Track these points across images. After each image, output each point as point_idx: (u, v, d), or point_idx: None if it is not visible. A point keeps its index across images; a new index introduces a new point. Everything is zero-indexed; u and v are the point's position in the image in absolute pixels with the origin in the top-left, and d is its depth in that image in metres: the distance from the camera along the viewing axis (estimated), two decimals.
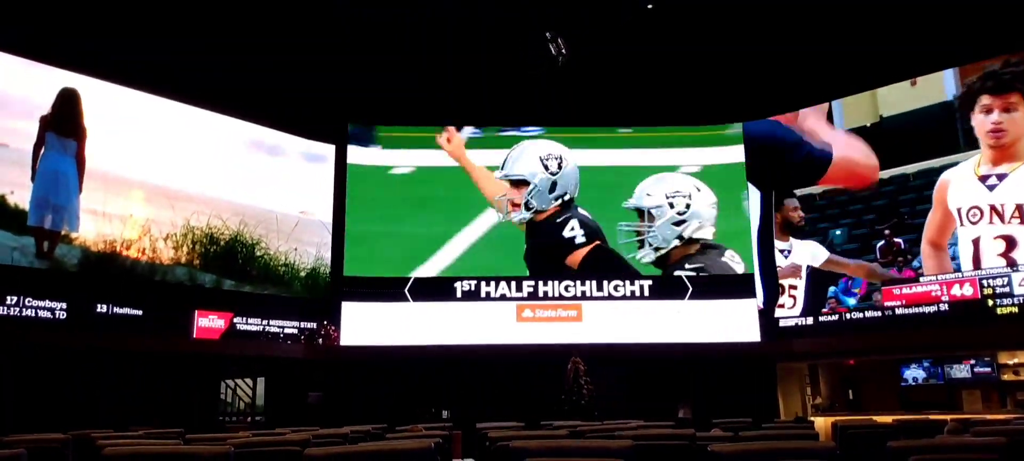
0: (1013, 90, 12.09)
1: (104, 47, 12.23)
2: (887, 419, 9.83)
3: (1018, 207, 11.85)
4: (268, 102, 14.45)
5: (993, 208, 12.07)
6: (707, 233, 13.84)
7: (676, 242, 13.67)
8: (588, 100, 15.15)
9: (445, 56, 14.23)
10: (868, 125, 13.90)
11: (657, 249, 13.64)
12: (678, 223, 13.51)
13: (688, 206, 13.47)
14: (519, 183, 13.70)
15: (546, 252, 14.11)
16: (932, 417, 10.07)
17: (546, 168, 13.65)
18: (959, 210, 12.42)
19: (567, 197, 13.83)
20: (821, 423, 12.15)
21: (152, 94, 13.07)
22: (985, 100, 12.30)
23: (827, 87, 14.34)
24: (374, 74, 14.52)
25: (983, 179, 12.24)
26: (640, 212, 13.58)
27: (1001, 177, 12.07)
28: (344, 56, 14.11)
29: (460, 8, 13.26)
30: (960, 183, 12.50)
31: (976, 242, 12.19)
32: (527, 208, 13.60)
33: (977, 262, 12.16)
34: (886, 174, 13.35)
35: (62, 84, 11.90)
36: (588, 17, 13.63)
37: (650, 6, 13.49)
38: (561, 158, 13.76)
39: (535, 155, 13.93)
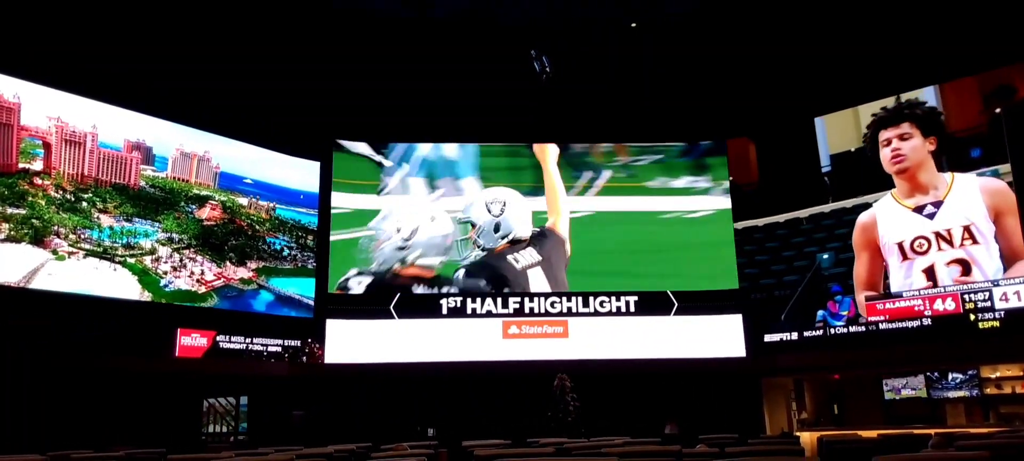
0: (904, 120, 12.78)
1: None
2: (872, 434, 9.87)
3: (965, 229, 12.17)
4: (252, 119, 14.41)
5: (939, 235, 12.40)
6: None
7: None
8: (584, 116, 15.31)
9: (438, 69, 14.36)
10: (853, 150, 14.04)
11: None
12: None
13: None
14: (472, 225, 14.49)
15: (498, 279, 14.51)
16: (916, 431, 10.13)
17: (490, 212, 14.37)
18: (900, 245, 12.73)
19: (511, 237, 14.34)
20: (807, 438, 12.17)
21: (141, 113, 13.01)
22: (883, 134, 12.91)
23: (810, 104, 14.52)
24: (361, 91, 14.56)
25: (919, 210, 12.60)
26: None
27: (937, 204, 12.44)
28: (329, 72, 14.13)
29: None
30: (891, 220, 12.89)
31: (929, 271, 12.46)
32: (476, 245, 14.46)
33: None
34: (871, 198, 13.38)
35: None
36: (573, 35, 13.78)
37: (634, 25, 13.65)
38: (504, 203, 14.49)
39: (482, 201, 14.55)
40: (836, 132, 14.40)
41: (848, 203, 13.80)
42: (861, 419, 13.38)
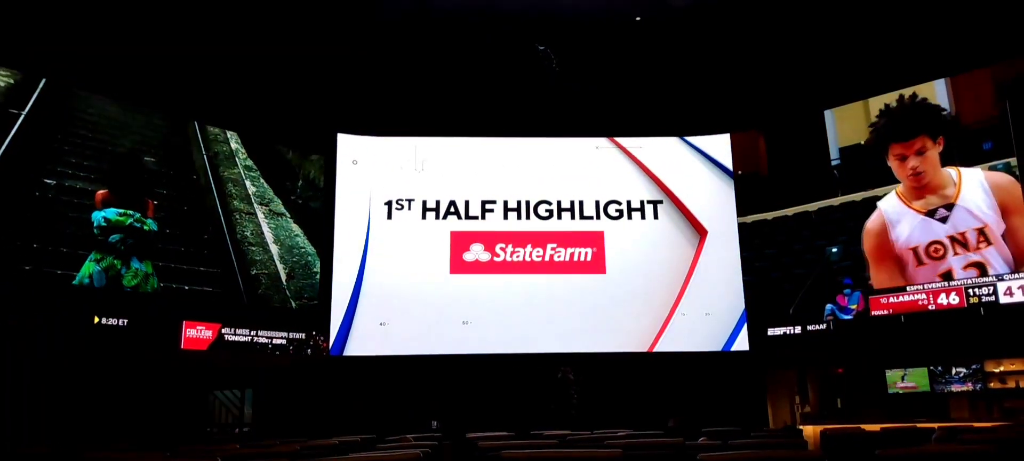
0: (919, 134, 12.50)
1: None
2: (875, 427, 9.88)
3: (979, 231, 12.00)
4: (254, 110, 14.42)
5: (954, 240, 12.21)
6: None
7: None
8: (576, 109, 15.28)
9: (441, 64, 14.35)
10: (863, 143, 13.95)
11: None
12: None
13: None
14: None
15: None
16: (920, 425, 10.12)
17: None
18: (915, 250, 12.53)
19: None
20: (810, 431, 12.18)
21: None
22: (896, 149, 12.65)
23: (820, 96, 14.49)
24: (364, 82, 14.58)
25: (930, 214, 12.41)
26: None
27: (949, 207, 12.27)
28: (332, 64, 14.15)
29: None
30: (902, 224, 12.67)
31: (946, 276, 12.31)
32: None
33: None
34: (881, 191, 13.33)
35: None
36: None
37: (638, 19, 13.63)
38: None
39: None
40: (846, 125, 14.34)
41: (857, 196, 13.74)
42: (865, 412, 13.40)
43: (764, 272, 14.57)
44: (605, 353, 14.11)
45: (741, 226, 14.80)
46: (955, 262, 12.24)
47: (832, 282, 13.67)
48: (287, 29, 13.51)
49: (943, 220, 12.29)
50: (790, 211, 14.60)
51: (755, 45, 14.16)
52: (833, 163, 14.41)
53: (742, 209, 14.92)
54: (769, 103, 15.07)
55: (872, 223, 13.06)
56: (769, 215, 14.81)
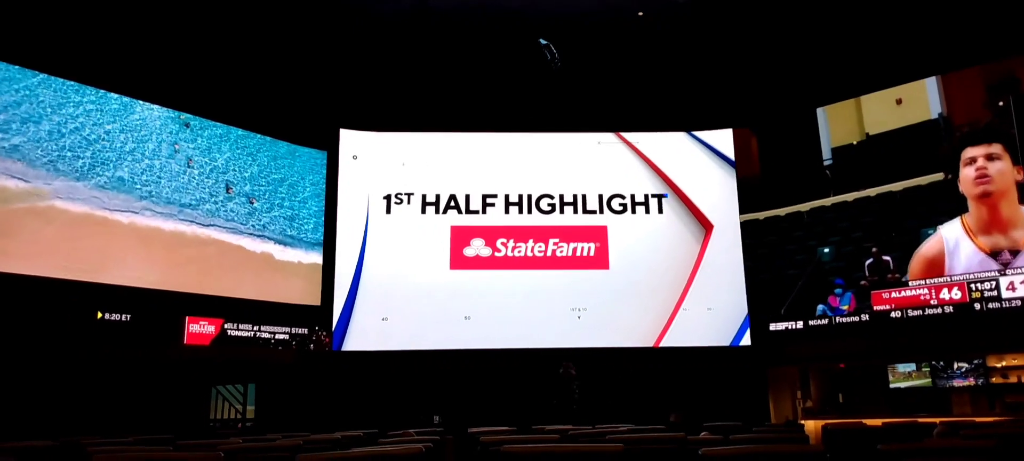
0: (994, 140, 11.88)
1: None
2: (877, 422, 9.88)
3: None
4: (257, 106, 14.43)
5: (1012, 285, 11.53)
6: None
7: None
8: (578, 104, 15.27)
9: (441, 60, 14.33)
10: (855, 143, 13.96)
11: None
12: None
13: None
14: None
15: None
16: (921, 420, 10.13)
17: None
18: (966, 278, 12.00)
19: None
20: (811, 426, 12.19)
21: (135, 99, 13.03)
22: (969, 152, 12.04)
23: (812, 95, 14.46)
24: (366, 78, 14.58)
25: (994, 255, 11.69)
26: None
27: (1015, 253, 11.56)
28: (335, 59, 14.15)
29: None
30: (961, 258, 11.96)
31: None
32: None
33: None
34: (873, 192, 13.38)
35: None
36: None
37: (640, 14, 13.60)
38: None
39: None
40: (838, 125, 14.30)
41: (850, 196, 13.74)
42: (866, 408, 13.40)
43: (754, 273, 14.52)
44: (608, 348, 14.12)
45: None
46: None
47: (823, 282, 13.61)
48: (290, 26, 13.52)
49: (1005, 265, 11.52)
50: (782, 211, 14.57)
51: (746, 42, 14.15)
52: (826, 163, 14.34)
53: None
54: (762, 101, 15.05)
55: (928, 248, 12.36)
56: (761, 215, 14.78)
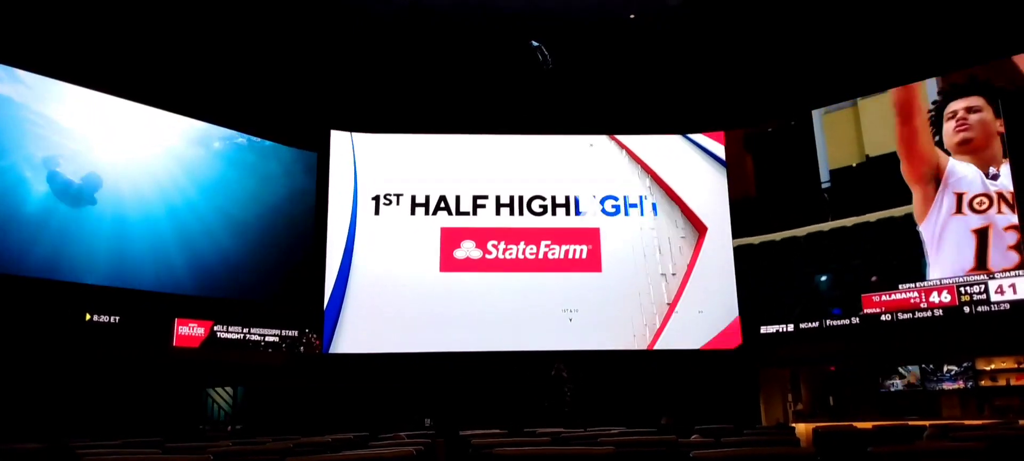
0: (975, 92, 12.09)
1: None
2: (867, 425, 9.91)
3: None
4: (248, 108, 14.37)
5: (1001, 196, 11.66)
6: None
7: None
8: (570, 106, 15.28)
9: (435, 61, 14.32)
10: (854, 165, 13.62)
11: None
12: None
13: None
14: None
15: None
16: (911, 423, 10.17)
17: None
18: (961, 196, 11.97)
19: None
20: (802, 429, 12.21)
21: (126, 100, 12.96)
22: (951, 106, 12.25)
23: (806, 96, 14.47)
24: (356, 80, 14.55)
25: (985, 172, 11.85)
26: None
27: (1000, 171, 11.87)
28: (325, 61, 14.12)
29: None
30: (961, 170, 11.98)
31: (982, 233, 11.80)
32: None
33: (980, 256, 11.80)
34: (873, 217, 13.15)
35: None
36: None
37: (632, 17, 13.62)
38: None
39: None
40: (837, 146, 13.92)
41: (848, 222, 13.45)
42: (856, 410, 13.45)
43: (746, 301, 14.27)
44: (600, 351, 14.10)
45: None
46: (997, 220, 11.73)
47: (821, 310, 13.45)
48: (282, 26, 13.48)
49: (995, 177, 11.69)
50: (778, 236, 14.32)
51: (738, 44, 14.15)
52: (823, 185, 13.95)
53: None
54: (755, 104, 15.02)
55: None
56: (756, 239, 14.55)
